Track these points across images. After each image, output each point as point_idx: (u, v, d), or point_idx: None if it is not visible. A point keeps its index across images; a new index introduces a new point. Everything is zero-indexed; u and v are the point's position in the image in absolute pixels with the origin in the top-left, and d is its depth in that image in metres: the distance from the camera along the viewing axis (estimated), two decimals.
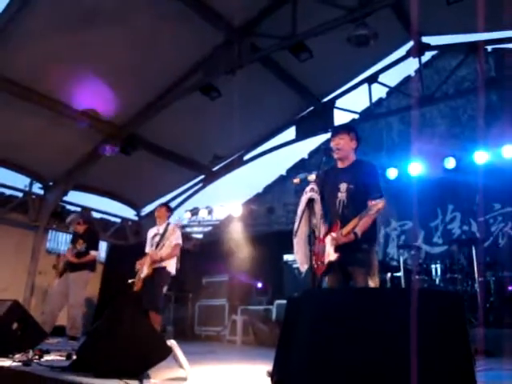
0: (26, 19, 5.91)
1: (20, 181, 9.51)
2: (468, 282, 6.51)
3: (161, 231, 5.59)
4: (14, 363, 3.53)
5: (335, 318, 2.11)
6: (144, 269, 5.38)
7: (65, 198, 9.79)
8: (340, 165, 3.70)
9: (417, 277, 6.86)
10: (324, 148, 3.73)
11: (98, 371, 2.88)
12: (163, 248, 5.37)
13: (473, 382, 1.77)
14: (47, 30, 6.15)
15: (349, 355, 1.96)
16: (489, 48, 8.30)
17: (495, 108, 8.40)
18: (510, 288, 6.25)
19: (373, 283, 3.39)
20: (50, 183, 9.46)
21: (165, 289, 5.49)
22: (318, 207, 3.46)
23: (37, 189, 9.52)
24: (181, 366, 3.24)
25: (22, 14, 5.81)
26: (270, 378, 2.27)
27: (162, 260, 5.36)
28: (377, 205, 3.21)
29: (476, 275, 6.36)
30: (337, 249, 3.35)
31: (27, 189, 9.50)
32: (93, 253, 6.52)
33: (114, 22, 6.26)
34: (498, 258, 7.08)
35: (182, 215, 10.78)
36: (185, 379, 3.12)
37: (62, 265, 6.57)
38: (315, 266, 3.40)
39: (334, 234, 3.41)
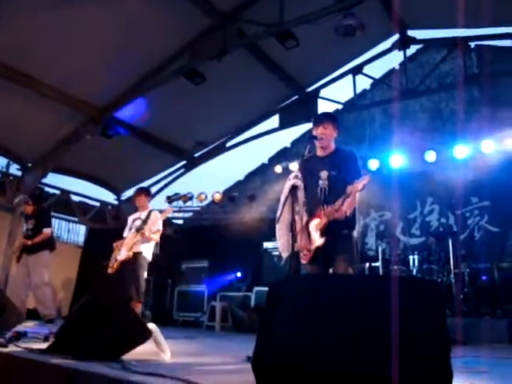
0: None
1: None
2: (444, 273, 6.66)
3: (143, 217, 5.55)
4: None
5: (316, 303, 2.14)
6: (122, 251, 5.34)
7: (44, 181, 9.62)
8: (320, 153, 3.70)
9: (395, 267, 6.99)
10: (309, 136, 3.73)
11: (77, 353, 2.87)
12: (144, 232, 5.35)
13: (448, 368, 1.82)
14: (30, 8, 5.98)
15: (327, 336, 2.00)
16: (472, 44, 8.40)
17: (476, 103, 8.54)
18: (483, 277, 6.44)
19: (352, 271, 3.45)
20: (29, 164, 9.27)
21: (145, 274, 5.47)
22: (301, 194, 3.48)
23: (14, 170, 9.34)
24: (161, 350, 3.25)
25: None
26: (250, 363, 2.29)
27: (145, 237, 5.33)
28: (362, 181, 3.24)
29: (452, 266, 6.52)
30: (322, 233, 3.38)
31: (4, 170, 9.32)
32: (46, 230, 6.40)
33: (100, 2, 6.13)
34: (473, 250, 7.26)
35: (162, 201, 10.72)
36: (165, 362, 3.14)
37: (17, 249, 6.48)
38: (301, 255, 3.44)
39: (317, 220, 3.44)
